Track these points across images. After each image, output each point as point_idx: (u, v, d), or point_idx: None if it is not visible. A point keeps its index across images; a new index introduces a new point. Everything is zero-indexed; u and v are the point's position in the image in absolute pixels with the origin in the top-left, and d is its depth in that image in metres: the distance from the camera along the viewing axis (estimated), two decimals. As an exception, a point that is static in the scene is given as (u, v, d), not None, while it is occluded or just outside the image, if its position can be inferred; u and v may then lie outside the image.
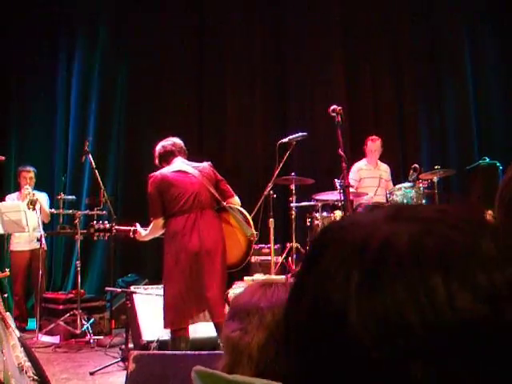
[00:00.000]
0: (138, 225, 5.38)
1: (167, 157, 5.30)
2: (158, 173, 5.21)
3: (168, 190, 5.04)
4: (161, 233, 5.21)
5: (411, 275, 0.52)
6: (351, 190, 5.49)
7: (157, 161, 5.39)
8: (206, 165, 5.33)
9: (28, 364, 3.95)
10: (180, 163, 5.25)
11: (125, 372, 5.35)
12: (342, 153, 4.27)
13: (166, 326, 5.00)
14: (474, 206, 0.60)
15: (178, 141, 5.39)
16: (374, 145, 8.24)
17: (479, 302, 0.50)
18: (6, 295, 7.84)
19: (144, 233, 5.30)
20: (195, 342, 5.30)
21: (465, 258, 0.52)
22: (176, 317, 4.91)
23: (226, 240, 5.12)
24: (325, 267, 0.58)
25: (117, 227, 5.47)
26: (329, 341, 0.55)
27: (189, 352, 2.75)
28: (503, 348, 0.50)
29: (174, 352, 2.69)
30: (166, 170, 5.20)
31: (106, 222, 5.49)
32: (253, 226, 5.28)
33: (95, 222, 5.46)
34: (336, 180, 6.69)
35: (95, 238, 5.47)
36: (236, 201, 5.33)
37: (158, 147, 5.38)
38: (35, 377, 3.94)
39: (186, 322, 4.93)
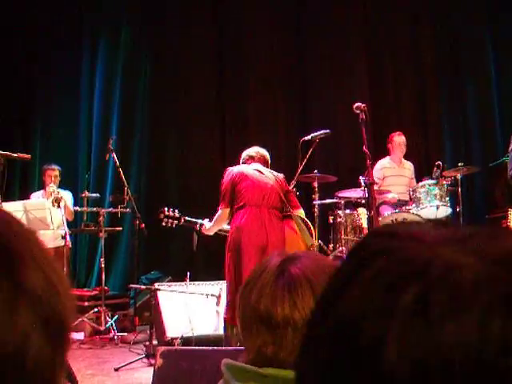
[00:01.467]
0: (206, 220, 5.55)
1: (246, 161, 5.57)
2: (234, 167, 5.48)
3: (241, 182, 5.23)
4: (225, 224, 5.39)
5: (470, 315, 0.46)
6: (375, 187, 5.50)
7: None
8: (281, 175, 5.59)
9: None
10: (257, 165, 5.50)
11: (149, 368, 5.41)
12: (367, 150, 4.26)
13: (226, 311, 5.19)
14: None
15: (261, 150, 5.66)
16: (400, 138, 8.20)
17: None
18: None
19: (209, 225, 5.47)
20: (202, 339, 5.37)
21: None
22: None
23: (287, 245, 5.23)
24: (364, 285, 0.51)
25: (186, 218, 5.63)
26: (354, 373, 0.49)
27: (216, 348, 2.76)
28: None
29: (202, 348, 2.70)
30: (244, 166, 5.46)
31: (177, 210, 5.65)
32: (314, 237, 5.46)
33: (166, 208, 5.63)
34: (361, 177, 6.68)
35: (163, 223, 5.60)
36: (301, 213, 5.57)
37: (243, 153, 5.66)
38: (62, 372, 3.99)
39: None
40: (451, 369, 0.45)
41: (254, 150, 5.62)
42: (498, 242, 0.53)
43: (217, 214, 5.36)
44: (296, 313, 1.32)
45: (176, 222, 5.61)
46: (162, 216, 5.60)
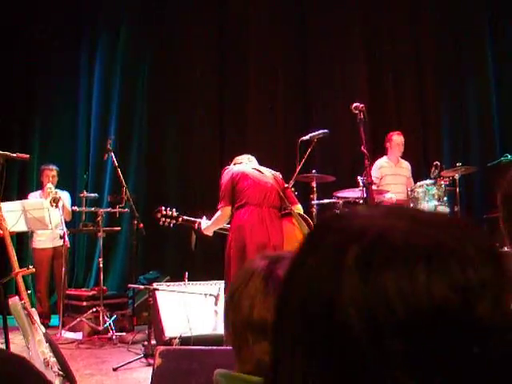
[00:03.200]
0: (204, 217, 5.52)
1: (239, 161, 5.54)
2: (233, 166, 5.44)
3: (241, 181, 5.21)
4: (225, 223, 5.35)
5: (399, 266, 0.57)
6: (373, 187, 5.50)
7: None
8: (277, 173, 5.58)
9: (53, 359, 4.00)
10: (255, 164, 5.51)
11: (147, 368, 5.41)
12: (365, 150, 4.27)
13: None
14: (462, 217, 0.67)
15: (251, 156, 5.64)
16: (399, 138, 8.19)
17: (453, 291, 0.56)
18: (29, 292, 7.89)
19: (206, 224, 5.44)
20: (200, 339, 5.35)
21: (446, 256, 0.58)
22: None
23: (287, 244, 5.21)
24: (319, 256, 0.62)
25: (184, 217, 5.59)
26: (319, 326, 0.59)
27: (215, 347, 2.76)
28: (469, 337, 0.57)
29: (201, 347, 2.71)
30: (242, 166, 5.42)
31: (174, 209, 5.60)
32: None
33: (163, 207, 5.59)
34: (359, 177, 6.68)
35: (161, 223, 5.55)
36: (299, 208, 5.52)
37: (234, 159, 5.63)
38: (60, 372, 3.99)
39: None
40: (393, 314, 0.56)
41: (244, 155, 5.63)
42: (423, 212, 0.67)
43: (217, 214, 5.32)
44: None
45: (174, 221, 5.57)
46: (159, 215, 5.55)
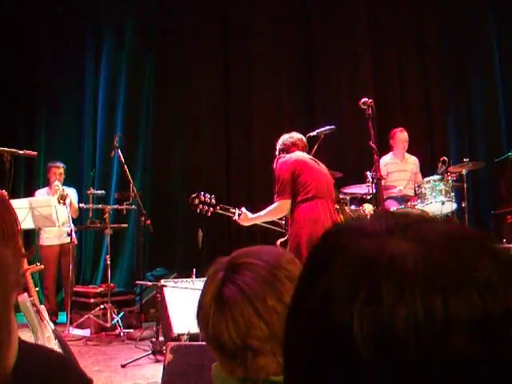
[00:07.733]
0: (243, 208, 5.18)
1: (289, 148, 5.20)
2: (291, 155, 5.08)
3: (305, 173, 4.93)
4: (280, 216, 5.13)
5: (413, 296, 0.54)
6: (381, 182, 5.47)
7: (277, 152, 5.26)
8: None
9: (62, 356, 4.00)
10: (306, 154, 5.21)
11: (156, 364, 5.42)
12: (374, 145, 4.24)
13: None
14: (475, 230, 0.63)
15: (300, 135, 5.32)
16: (403, 135, 8.16)
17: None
18: (36, 289, 7.89)
19: (252, 215, 5.13)
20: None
21: (460, 285, 0.55)
22: None
23: None
24: (328, 283, 0.60)
25: (221, 205, 5.15)
26: (329, 355, 0.58)
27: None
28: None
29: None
30: (300, 155, 5.10)
31: (213, 196, 5.14)
32: None
33: (202, 193, 5.10)
34: (368, 173, 6.66)
35: (198, 210, 5.07)
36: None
37: (284, 138, 5.29)
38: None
39: None
40: (407, 346, 0.53)
41: (297, 137, 5.27)
42: (433, 226, 0.62)
43: (273, 205, 5.00)
44: (248, 338, 1.20)
45: (212, 209, 5.09)
46: (196, 201, 5.06)
